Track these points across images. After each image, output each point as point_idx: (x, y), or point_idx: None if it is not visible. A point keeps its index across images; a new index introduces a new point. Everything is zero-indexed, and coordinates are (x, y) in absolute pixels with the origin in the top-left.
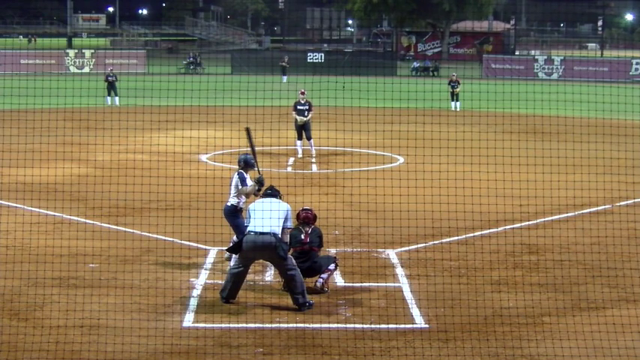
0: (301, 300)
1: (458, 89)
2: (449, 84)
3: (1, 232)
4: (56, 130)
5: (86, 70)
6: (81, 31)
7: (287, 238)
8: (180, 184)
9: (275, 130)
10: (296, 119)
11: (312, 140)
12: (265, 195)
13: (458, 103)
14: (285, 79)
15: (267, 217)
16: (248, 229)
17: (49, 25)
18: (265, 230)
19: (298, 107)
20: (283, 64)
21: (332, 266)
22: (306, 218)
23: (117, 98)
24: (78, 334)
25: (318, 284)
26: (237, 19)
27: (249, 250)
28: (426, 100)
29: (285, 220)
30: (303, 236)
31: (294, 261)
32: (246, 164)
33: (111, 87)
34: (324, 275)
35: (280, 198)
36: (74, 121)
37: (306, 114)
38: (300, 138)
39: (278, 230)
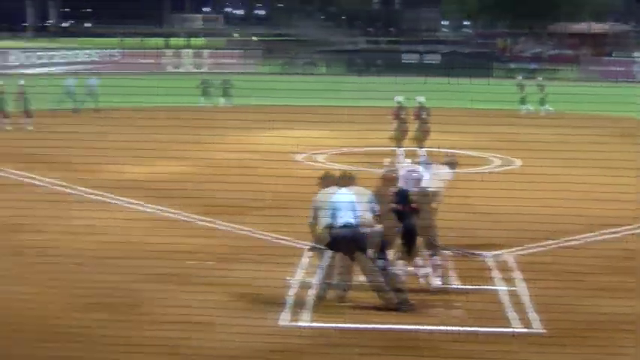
0: (394, 299)
1: (523, 94)
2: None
3: (104, 228)
4: (162, 129)
5: (204, 69)
6: (197, 31)
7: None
8: (282, 182)
9: (373, 130)
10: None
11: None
12: (343, 183)
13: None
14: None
15: (351, 208)
16: (334, 221)
17: (151, 25)
18: (350, 221)
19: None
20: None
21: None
22: (391, 179)
23: (222, 99)
24: (177, 330)
25: (432, 284)
26: (335, 21)
27: (337, 244)
28: (527, 102)
29: (371, 206)
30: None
31: (375, 258)
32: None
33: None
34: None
35: (355, 183)
36: (180, 120)
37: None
38: (401, 146)
39: (359, 220)
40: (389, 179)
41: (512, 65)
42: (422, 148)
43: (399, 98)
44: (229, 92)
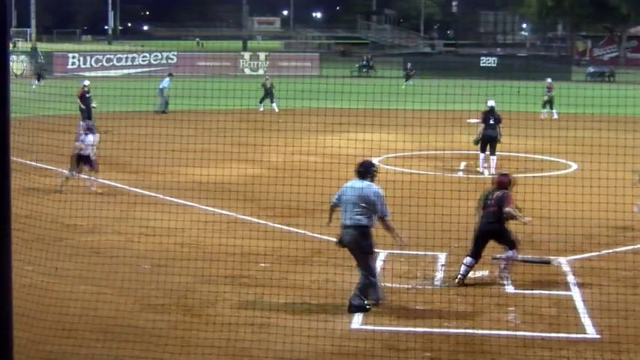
0: (356, 301)
1: (550, 95)
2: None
3: (176, 230)
4: (231, 131)
5: (261, 72)
6: (256, 33)
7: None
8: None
9: (449, 134)
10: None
11: (494, 156)
12: (357, 173)
13: (553, 111)
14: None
15: (353, 206)
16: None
17: (225, 28)
18: (349, 223)
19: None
20: (408, 71)
21: (511, 253)
22: (500, 183)
23: (274, 104)
24: (248, 332)
25: (500, 273)
26: (410, 23)
27: (343, 244)
28: (603, 106)
29: (376, 206)
30: (490, 198)
31: (375, 264)
32: None
33: (267, 94)
34: (502, 266)
35: (373, 176)
36: (249, 123)
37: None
38: (483, 151)
39: (365, 220)
40: (500, 182)
41: (591, 69)
42: (484, 152)
43: (492, 102)
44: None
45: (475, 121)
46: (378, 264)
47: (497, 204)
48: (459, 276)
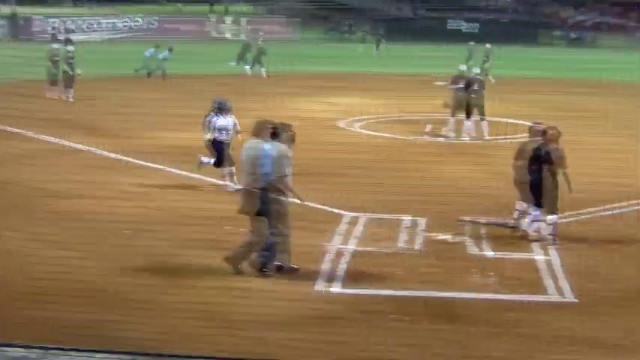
0: (259, 260)
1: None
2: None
3: (151, 194)
4: (208, 94)
5: (242, 37)
6: None
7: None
8: (321, 149)
9: (419, 97)
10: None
11: (484, 122)
12: (252, 132)
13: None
14: (376, 50)
15: (245, 167)
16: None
17: None
18: (242, 184)
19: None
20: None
21: (555, 217)
22: (548, 135)
23: (263, 69)
24: (228, 296)
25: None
26: None
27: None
28: (585, 69)
29: (264, 163)
30: (543, 152)
31: (264, 227)
32: None
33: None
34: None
35: (273, 135)
36: (227, 86)
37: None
38: (468, 117)
39: (252, 181)
40: (535, 131)
41: (573, 34)
42: (454, 117)
43: (463, 67)
44: (262, 59)
45: (443, 83)
46: (358, 229)
47: (551, 159)
48: (516, 222)
